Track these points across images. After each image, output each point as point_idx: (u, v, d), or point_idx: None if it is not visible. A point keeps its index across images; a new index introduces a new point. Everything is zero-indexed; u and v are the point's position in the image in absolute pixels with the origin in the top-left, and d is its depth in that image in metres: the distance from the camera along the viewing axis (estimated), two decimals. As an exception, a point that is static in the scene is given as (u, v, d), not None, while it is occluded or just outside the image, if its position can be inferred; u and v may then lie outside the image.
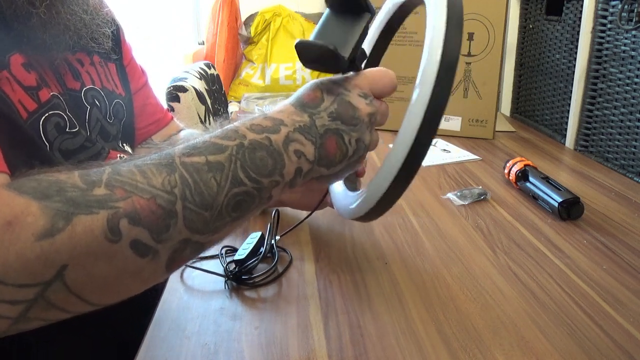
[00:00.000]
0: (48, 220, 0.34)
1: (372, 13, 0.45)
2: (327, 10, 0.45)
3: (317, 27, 0.44)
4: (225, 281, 0.56)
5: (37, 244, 0.34)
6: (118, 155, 0.63)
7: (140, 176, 0.37)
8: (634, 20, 0.86)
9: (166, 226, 0.36)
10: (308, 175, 0.43)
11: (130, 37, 0.78)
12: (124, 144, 0.69)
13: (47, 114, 0.53)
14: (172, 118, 0.81)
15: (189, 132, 0.80)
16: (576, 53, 1.01)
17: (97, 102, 0.62)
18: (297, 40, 0.43)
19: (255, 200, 0.40)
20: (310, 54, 0.44)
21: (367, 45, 0.53)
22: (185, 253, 0.38)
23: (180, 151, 0.39)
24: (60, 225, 0.34)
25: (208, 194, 0.38)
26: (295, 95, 0.44)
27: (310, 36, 0.44)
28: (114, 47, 0.69)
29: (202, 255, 0.61)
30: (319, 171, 0.43)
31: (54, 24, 0.55)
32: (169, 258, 0.38)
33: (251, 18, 1.87)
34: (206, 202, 0.38)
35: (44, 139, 0.53)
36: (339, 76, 0.45)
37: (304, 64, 0.45)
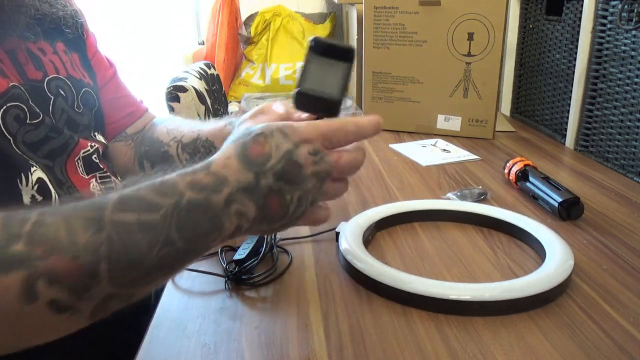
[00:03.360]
0: None
1: (353, 62, 0.46)
2: (310, 54, 0.45)
3: (306, 72, 0.44)
4: (225, 281, 0.56)
5: None
6: (89, 144, 0.62)
7: (64, 232, 0.34)
8: (634, 20, 0.86)
9: (88, 286, 0.35)
10: (248, 232, 0.42)
11: (130, 37, 0.77)
12: (96, 134, 0.68)
13: (5, 106, 0.52)
14: (146, 109, 0.79)
15: (160, 119, 0.78)
16: (576, 53, 1.01)
17: (62, 92, 0.61)
18: (297, 90, 0.43)
19: (190, 256, 0.39)
20: (311, 103, 0.44)
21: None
22: (111, 305, 0.36)
23: (113, 205, 0.36)
24: None
25: (137, 255, 0.36)
26: (241, 143, 0.41)
27: (301, 82, 0.44)
28: (78, 37, 0.68)
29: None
30: (259, 228, 0.42)
31: (5, 11, 0.53)
32: (92, 311, 0.36)
33: (251, 18, 1.87)
34: (133, 264, 0.36)
35: (5, 132, 0.52)
36: (287, 125, 0.42)
37: (297, 108, 0.45)
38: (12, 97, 0.53)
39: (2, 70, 0.53)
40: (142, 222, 0.36)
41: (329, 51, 0.45)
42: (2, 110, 0.51)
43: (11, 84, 0.53)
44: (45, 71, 0.60)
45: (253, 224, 0.41)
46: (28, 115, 0.54)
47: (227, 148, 0.42)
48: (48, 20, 0.61)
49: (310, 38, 0.46)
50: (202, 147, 0.69)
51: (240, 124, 0.47)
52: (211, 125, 0.69)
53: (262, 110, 0.50)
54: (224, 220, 0.39)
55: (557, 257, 0.56)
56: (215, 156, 0.41)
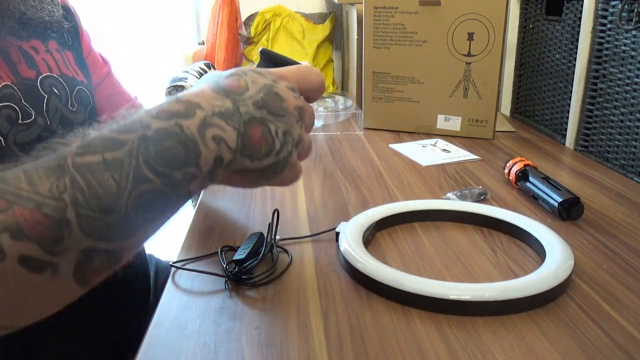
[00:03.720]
0: None
1: None
2: (260, 62, 0.49)
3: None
4: (225, 281, 0.56)
5: None
6: None
7: (25, 183, 0.32)
8: (634, 20, 0.86)
9: (58, 237, 0.31)
10: (230, 167, 0.38)
11: (129, 37, 0.77)
12: (87, 129, 0.68)
13: None
14: (141, 105, 0.80)
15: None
16: (576, 53, 1.01)
17: (55, 90, 0.61)
18: (261, 48, 0.48)
19: (170, 197, 0.35)
20: (274, 60, 0.48)
21: None
22: (94, 263, 0.33)
23: (74, 151, 0.33)
24: None
25: (106, 195, 0.32)
26: (213, 80, 0.39)
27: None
28: (72, 36, 0.67)
29: (201, 255, 0.62)
30: (242, 162, 0.38)
31: None
32: (75, 270, 0.33)
33: (251, 18, 1.87)
34: (105, 206, 0.32)
35: None
36: (264, 68, 0.42)
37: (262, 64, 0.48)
38: (4, 97, 0.52)
39: None
40: (107, 160, 0.33)
41: (274, 60, 0.48)
42: None
43: (3, 84, 0.53)
44: (39, 69, 0.59)
45: (236, 157, 0.37)
46: (20, 115, 0.53)
47: (198, 86, 0.39)
48: (34, 24, 0.61)
49: (260, 49, 0.50)
50: None
51: None
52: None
53: None
54: (200, 146, 0.35)
55: (557, 257, 0.56)
56: (185, 91, 0.38)
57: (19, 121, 0.54)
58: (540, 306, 0.52)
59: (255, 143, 0.38)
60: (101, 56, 0.75)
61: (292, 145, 0.41)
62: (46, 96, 0.59)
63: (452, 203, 0.72)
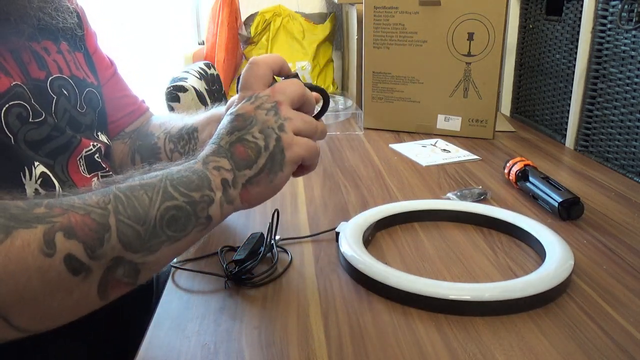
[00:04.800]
0: None
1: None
2: None
3: None
4: (225, 281, 0.56)
5: None
6: (91, 143, 0.63)
7: (77, 199, 0.39)
8: (634, 20, 0.86)
9: (100, 240, 0.38)
10: (237, 183, 0.46)
11: (129, 36, 0.77)
12: (99, 133, 0.68)
13: (7, 105, 0.52)
14: (147, 108, 0.80)
15: (158, 116, 0.80)
16: (576, 53, 1.01)
17: (64, 92, 0.61)
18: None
19: (191, 217, 0.43)
20: None
21: None
22: (118, 273, 0.39)
23: (117, 187, 0.42)
24: (0, 237, 0.35)
25: (140, 207, 0.40)
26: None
27: None
28: (75, 39, 0.68)
29: (201, 255, 0.62)
30: (243, 175, 0.46)
31: (10, 20, 0.54)
32: (101, 278, 0.38)
33: (251, 18, 1.87)
34: (139, 215, 0.40)
35: (6, 131, 0.52)
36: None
37: None
38: (14, 95, 0.53)
39: (5, 68, 0.54)
40: (143, 183, 0.42)
41: None
42: (4, 108, 0.52)
43: (14, 83, 0.53)
44: (49, 71, 0.60)
45: (236, 173, 0.46)
46: (31, 114, 0.54)
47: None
48: (48, 31, 0.62)
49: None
50: (185, 135, 0.71)
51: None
52: (199, 114, 0.72)
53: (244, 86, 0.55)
54: (209, 174, 0.44)
55: (557, 257, 0.56)
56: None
57: (30, 120, 0.54)
58: (540, 306, 0.52)
59: (243, 156, 0.46)
60: (107, 57, 0.76)
61: (275, 132, 0.47)
62: (55, 97, 0.59)
63: (452, 203, 0.72)
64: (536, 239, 0.62)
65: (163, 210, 0.41)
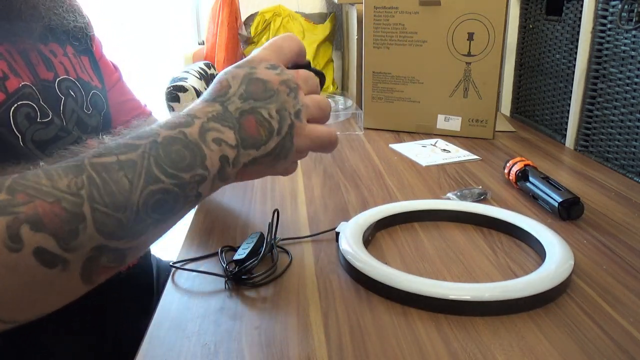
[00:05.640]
0: None
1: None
2: None
3: None
4: (225, 281, 0.56)
5: None
6: (97, 145, 0.63)
7: (45, 179, 0.34)
8: (634, 20, 0.86)
9: (73, 231, 0.33)
10: (238, 163, 0.40)
11: (129, 36, 0.78)
12: (104, 136, 0.69)
13: (16, 104, 0.52)
14: (150, 113, 0.80)
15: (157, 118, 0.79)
16: (576, 53, 1.01)
17: (72, 93, 0.62)
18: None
19: (179, 198, 0.37)
20: None
21: None
22: (102, 261, 0.35)
23: (92, 153, 0.36)
24: None
25: (119, 193, 0.35)
26: (205, 91, 0.43)
27: None
28: (86, 40, 0.69)
29: (201, 255, 0.62)
30: (248, 154, 0.41)
31: (22, 19, 0.54)
32: (83, 267, 0.34)
33: (251, 18, 1.87)
34: (118, 203, 0.35)
35: (15, 130, 0.52)
36: (243, 60, 0.44)
37: None
38: (23, 95, 0.53)
39: (14, 69, 0.54)
40: (121, 161, 0.36)
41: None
42: (13, 107, 0.52)
43: (23, 83, 0.54)
44: (56, 72, 0.61)
45: (239, 152, 0.40)
46: (39, 114, 0.55)
47: (194, 101, 0.42)
48: (58, 31, 0.62)
49: None
50: None
51: None
52: None
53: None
54: (204, 149, 0.38)
55: (557, 257, 0.56)
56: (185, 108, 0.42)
57: (38, 120, 0.54)
58: (540, 306, 0.52)
59: (253, 133, 0.40)
60: (112, 63, 0.76)
61: (291, 118, 0.42)
62: (63, 98, 0.60)
63: (452, 203, 0.72)
64: (536, 239, 0.62)
65: (147, 195, 0.35)
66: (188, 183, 0.37)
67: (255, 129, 0.40)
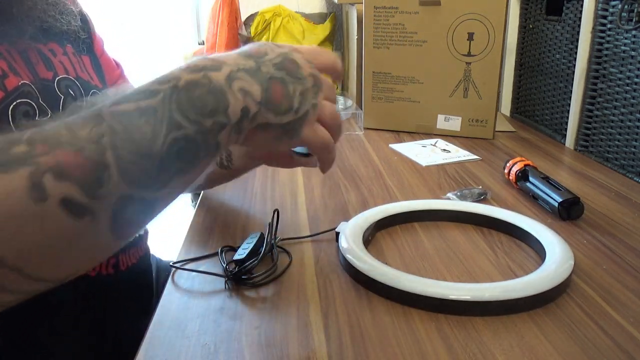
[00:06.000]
0: None
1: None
2: None
3: None
4: (225, 281, 0.56)
5: None
6: None
7: (65, 130, 0.33)
8: (634, 20, 0.86)
9: (98, 180, 0.32)
10: (255, 119, 0.40)
11: (129, 36, 0.78)
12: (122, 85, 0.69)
13: (15, 102, 0.52)
14: None
15: None
16: (576, 53, 1.01)
17: (71, 92, 0.61)
18: None
19: (201, 146, 0.37)
20: None
21: None
22: (129, 211, 0.34)
23: (110, 102, 0.35)
24: None
25: (142, 140, 0.34)
26: (238, 50, 0.43)
27: None
28: (86, 39, 0.68)
29: (201, 255, 0.62)
30: (266, 116, 0.41)
31: (15, 18, 0.54)
32: (111, 218, 0.33)
33: (251, 18, 1.87)
34: (141, 150, 0.34)
35: (13, 128, 0.52)
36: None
37: None
38: (22, 94, 0.53)
39: (14, 68, 0.54)
40: (142, 107, 0.35)
41: None
42: (12, 105, 0.52)
43: (22, 82, 0.54)
44: (56, 71, 0.61)
45: (261, 109, 0.40)
46: (37, 112, 0.55)
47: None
48: (52, 33, 0.62)
49: None
50: None
51: None
52: None
53: None
54: (228, 96, 0.37)
55: (557, 257, 0.56)
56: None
57: (36, 118, 0.54)
58: (540, 306, 0.52)
59: (277, 98, 0.41)
60: (114, 60, 0.76)
61: (308, 107, 0.43)
62: (62, 97, 0.60)
63: (452, 203, 0.72)
64: (536, 239, 0.62)
65: (170, 142, 0.35)
66: (210, 129, 0.37)
67: (280, 96, 0.41)
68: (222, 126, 0.37)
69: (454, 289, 0.51)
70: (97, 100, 0.36)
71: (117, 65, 0.76)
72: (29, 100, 0.54)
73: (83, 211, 0.32)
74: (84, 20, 0.69)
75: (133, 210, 0.34)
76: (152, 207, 0.36)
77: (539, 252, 0.61)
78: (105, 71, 0.72)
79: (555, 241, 0.60)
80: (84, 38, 0.68)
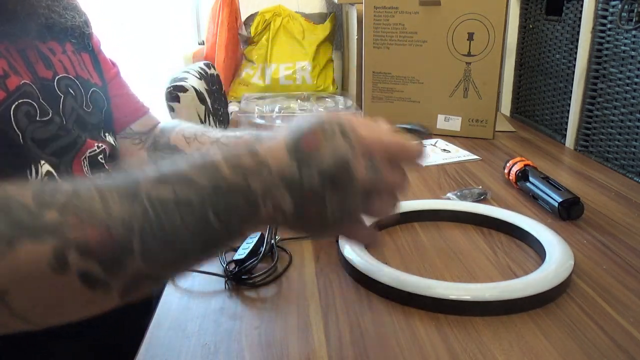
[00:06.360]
0: None
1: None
2: None
3: None
4: (225, 281, 0.56)
5: None
6: (95, 144, 0.62)
7: (99, 202, 0.34)
8: (634, 20, 0.86)
9: (120, 262, 0.34)
10: (281, 227, 0.41)
11: (129, 36, 0.77)
12: (107, 134, 0.68)
13: (17, 102, 0.52)
14: (148, 109, 0.79)
15: (165, 123, 0.78)
16: (576, 53, 1.01)
17: (71, 91, 0.61)
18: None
19: (225, 239, 0.38)
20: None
21: None
22: (142, 286, 0.36)
23: (148, 178, 0.35)
24: (1, 249, 0.31)
25: (172, 232, 0.34)
26: (297, 128, 0.39)
27: None
28: (84, 37, 0.68)
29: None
30: (293, 227, 0.40)
31: (18, 17, 0.54)
32: (124, 289, 0.35)
33: (251, 18, 1.87)
34: (168, 240, 0.35)
35: (15, 128, 0.52)
36: (352, 127, 0.39)
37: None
38: (23, 93, 0.53)
39: (14, 67, 0.54)
40: (179, 199, 0.35)
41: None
42: (14, 105, 0.52)
43: (23, 82, 0.54)
44: (55, 70, 0.60)
45: (287, 221, 0.39)
46: (38, 112, 0.55)
47: (280, 131, 0.40)
48: (56, 29, 0.62)
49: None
50: None
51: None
52: (237, 141, 0.69)
53: None
54: (261, 208, 0.37)
55: (557, 257, 0.56)
56: (266, 136, 0.39)
57: (37, 118, 0.54)
58: (540, 306, 0.52)
59: (309, 214, 0.39)
60: (110, 60, 0.76)
61: (347, 217, 0.40)
62: (62, 96, 0.60)
63: (452, 203, 0.72)
64: (536, 239, 0.62)
65: (197, 236, 0.35)
66: (237, 229, 0.38)
67: (314, 215, 0.39)
68: (249, 227, 0.39)
69: (454, 289, 0.51)
70: (136, 168, 0.36)
71: (113, 64, 0.76)
72: (30, 100, 0.54)
73: (99, 284, 0.34)
74: (85, 27, 0.70)
75: (146, 283, 0.36)
76: (165, 279, 0.39)
77: (539, 252, 0.61)
78: (103, 69, 0.72)
79: (555, 241, 0.60)
80: (88, 34, 0.68)
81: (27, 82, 0.55)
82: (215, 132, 0.73)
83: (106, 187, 0.34)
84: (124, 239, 0.33)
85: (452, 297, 0.50)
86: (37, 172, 0.53)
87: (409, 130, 0.47)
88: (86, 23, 0.68)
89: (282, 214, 0.38)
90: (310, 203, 0.38)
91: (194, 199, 0.35)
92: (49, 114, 0.56)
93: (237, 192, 0.36)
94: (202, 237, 0.36)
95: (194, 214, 0.35)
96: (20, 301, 0.32)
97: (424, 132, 0.51)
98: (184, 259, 0.37)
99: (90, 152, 0.61)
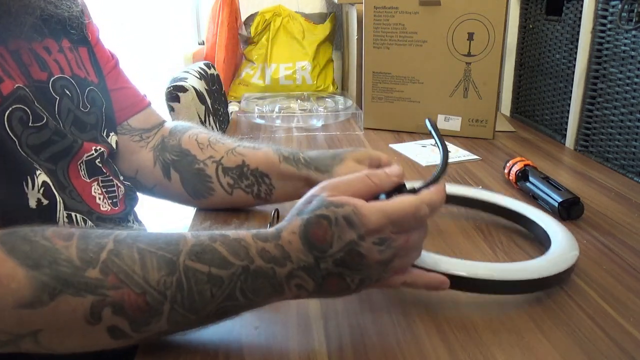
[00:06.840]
0: (32, 292, 0.35)
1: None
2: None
3: None
4: (225, 281, 0.56)
5: (15, 310, 0.35)
6: (93, 148, 0.61)
7: (139, 267, 0.38)
8: (634, 20, 0.86)
9: (148, 322, 0.39)
10: (302, 297, 0.45)
11: (129, 36, 0.76)
12: (111, 134, 0.67)
13: (10, 108, 0.51)
14: (149, 103, 0.76)
15: (175, 125, 0.76)
16: (576, 53, 1.01)
17: (67, 92, 0.60)
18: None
19: (246, 310, 0.43)
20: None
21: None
22: (157, 338, 0.42)
23: (188, 252, 0.40)
24: (44, 299, 0.35)
25: (199, 301, 0.40)
26: (306, 221, 0.42)
27: None
28: (82, 28, 0.66)
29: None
30: (319, 297, 0.46)
31: (11, 13, 0.53)
32: (141, 340, 0.41)
33: (251, 18, 1.87)
34: (195, 308, 0.40)
35: (11, 134, 0.51)
36: (355, 211, 0.42)
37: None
38: (17, 98, 0.52)
39: (7, 71, 0.52)
40: (212, 275, 0.40)
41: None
42: (8, 111, 0.50)
43: (16, 86, 0.52)
44: (50, 71, 0.59)
45: (311, 295, 0.44)
46: (31, 117, 0.53)
47: (294, 220, 0.44)
48: (54, 21, 0.60)
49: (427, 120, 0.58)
50: (251, 176, 0.70)
51: (315, 192, 0.45)
52: (255, 152, 0.70)
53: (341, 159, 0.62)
54: (285, 289, 0.43)
55: (563, 244, 0.56)
56: (284, 226, 0.44)
57: (30, 124, 0.53)
58: (549, 288, 0.52)
59: (331, 290, 0.44)
60: (109, 51, 0.73)
61: (368, 284, 0.45)
62: (58, 98, 0.58)
63: (455, 188, 0.72)
64: (541, 227, 0.62)
65: (221, 306, 0.41)
66: (260, 304, 0.44)
67: (335, 287, 0.44)
68: (273, 302, 0.44)
69: (462, 265, 0.50)
70: (178, 237, 0.42)
71: (112, 55, 0.73)
72: (22, 106, 0.52)
73: (123, 337, 0.39)
74: (83, 17, 0.68)
75: (161, 337, 0.42)
76: (177, 334, 0.44)
77: (543, 241, 0.61)
78: (100, 62, 0.70)
79: (559, 229, 0.60)
80: (85, 23, 0.66)
81: (21, 85, 0.53)
82: (230, 141, 0.72)
83: (147, 251, 0.39)
84: (156, 303, 0.38)
85: (463, 273, 0.49)
86: (33, 183, 0.51)
87: (413, 191, 0.47)
88: (83, 12, 0.66)
89: (305, 291, 0.43)
90: (330, 281, 0.43)
91: (225, 277, 0.40)
92: (44, 118, 0.54)
93: (263, 276, 0.42)
94: (226, 309, 0.42)
95: (223, 290, 0.40)
96: (49, 340, 0.37)
97: (435, 179, 0.53)
98: (204, 323, 0.43)
99: (87, 157, 0.60)
